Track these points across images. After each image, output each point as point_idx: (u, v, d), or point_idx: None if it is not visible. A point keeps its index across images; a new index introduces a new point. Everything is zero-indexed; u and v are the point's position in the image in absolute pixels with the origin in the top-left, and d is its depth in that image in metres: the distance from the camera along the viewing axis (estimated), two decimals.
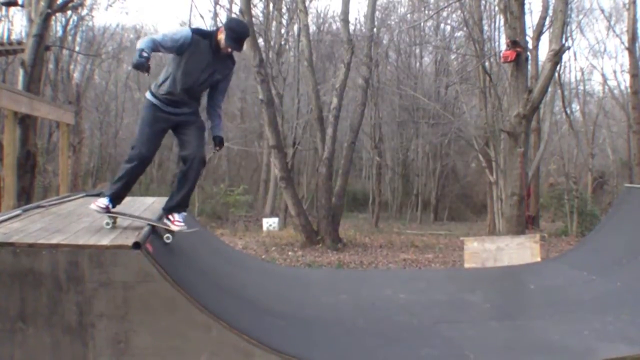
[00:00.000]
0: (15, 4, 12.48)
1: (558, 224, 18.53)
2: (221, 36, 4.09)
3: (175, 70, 4.12)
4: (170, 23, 53.64)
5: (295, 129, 17.68)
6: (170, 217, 4.26)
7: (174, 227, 4.21)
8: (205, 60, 4.11)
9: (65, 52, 21.22)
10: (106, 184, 11.92)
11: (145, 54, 3.86)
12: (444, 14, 20.91)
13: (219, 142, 4.47)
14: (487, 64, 16.99)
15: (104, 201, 4.19)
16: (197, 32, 4.14)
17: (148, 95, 4.30)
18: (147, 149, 4.21)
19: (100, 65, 26.02)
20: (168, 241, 4.22)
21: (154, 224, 4.26)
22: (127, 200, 4.54)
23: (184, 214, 4.32)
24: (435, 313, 5.28)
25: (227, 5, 24.53)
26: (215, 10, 25.73)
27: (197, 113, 4.41)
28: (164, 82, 4.19)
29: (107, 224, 4.20)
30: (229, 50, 4.14)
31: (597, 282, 5.88)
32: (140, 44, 3.95)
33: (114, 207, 4.25)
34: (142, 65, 3.86)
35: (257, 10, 19.72)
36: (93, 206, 4.22)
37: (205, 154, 4.40)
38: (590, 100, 24.51)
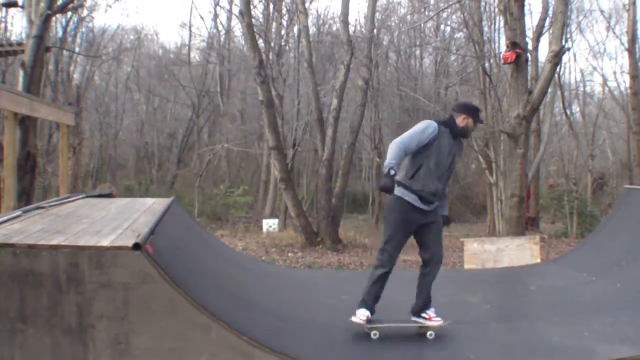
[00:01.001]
0: (15, 5, 12.49)
1: (558, 226, 18.52)
2: (467, 121, 4.43)
3: (427, 160, 4.30)
4: (170, 24, 53.74)
5: (295, 131, 17.68)
6: (424, 315, 4.47)
7: (433, 324, 4.44)
8: (448, 146, 4.38)
9: (65, 53, 21.24)
10: (106, 185, 11.92)
11: (392, 172, 4.10)
12: (444, 15, 20.94)
13: (446, 221, 4.67)
14: (487, 65, 16.99)
15: (363, 312, 4.34)
16: (440, 123, 4.42)
17: (400, 191, 4.33)
18: (398, 254, 4.46)
19: (100, 67, 26.05)
20: (431, 338, 4.40)
21: (419, 325, 4.47)
22: (127, 201, 4.55)
23: (433, 308, 4.51)
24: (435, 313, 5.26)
25: (228, 7, 24.69)
26: (215, 11, 25.92)
27: (437, 213, 4.53)
28: (416, 173, 4.31)
29: (375, 334, 4.33)
30: (471, 125, 4.47)
31: (598, 284, 5.88)
32: (389, 156, 4.16)
33: (372, 314, 4.39)
34: (388, 190, 4.14)
35: (257, 11, 19.79)
36: (355, 319, 4.34)
37: (442, 253, 4.61)
38: (591, 101, 24.52)
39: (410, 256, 12.94)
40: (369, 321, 4.34)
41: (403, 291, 4.79)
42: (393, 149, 4.20)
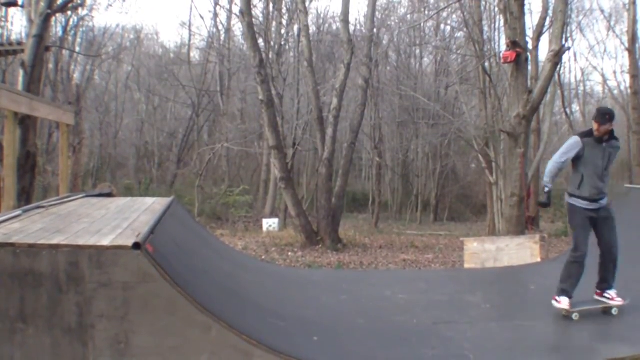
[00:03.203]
0: (15, 4, 12.47)
1: (558, 225, 18.53)
2: (597, 125, 4.98)
3: (583, 169, 5.03)
4: (171, 24, 53.71)
5: (295, 130, 17.67)
6: (606, 294, 5.09)
7: (616, 303, 5.01)
8: (598, 150, 5.01)
9: (65, 52, 21.23)
10: (106, 184, 11.90)
11: (547, 188, 5.12)
12: (444, 14, 20.95)
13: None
14: (487, 64, 16.99)
15: (566, 301, 4.98)
16: (581, 135, 5.12)
17: (572, 200, 5.18)
18: (586, 247, 5.02)
19: (100, 66, 26.06)
20: (615, 314, 4.99)
21: (604, 306, 5.04)
22: (127, 201, 4.55)
23: (615, 289, 5.11)
24: (435, 314, 5.27)
25: (227, 6, 24.68)
26: (215, 10, 25.89)
27: (610, 207, 5.22)
28: (580, 184, 5.06)
29: (576, 315, 4.93)
30: (602, 128, 4.97)
31: None
32: (545, 176, 5.17)
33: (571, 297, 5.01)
34: (546, 206, 5.25)
35: (257, 10, 19.76)
36: (556, 304, 5.01)
37: (617, 246, 5.20)
38: (590, 100, 24.55)
39: (410, 256, 12.97)
40: (571, 307, 4.96)
41: (403, 290, 4.78)
42: (547, 169, 5.22)
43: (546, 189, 5.12)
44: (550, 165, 5.13)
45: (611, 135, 5.10)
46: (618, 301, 5.01)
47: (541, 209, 17.78)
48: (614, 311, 4.97)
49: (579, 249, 5.01)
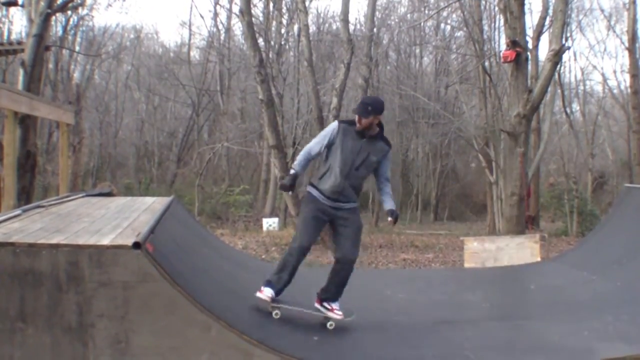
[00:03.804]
0: (15, 4, 12.48)
1: (558, 224, 18.52)
2: (357, 118, 4.38)
3: (333, 160, 4.40)
4: (170, 23, 53.68)
5: (295, 129, 17.65)
6: (326, 305, 4.53)
7: (335, 316, 4.48)
8: (355, 143, 4.37)
9: (65, 52, 21.24)
10: (106, 184, 11.90)
11: (293, 171, 4.50)
12: (444, 14, 20.92)
13: (391, 215, 4.57)
14: (487, 64, 16.99)
15: (269, 291, 4.40)
16: (343, 121, 4.52)
17: (310, 188, 4.57)
18: (307, 240, 4.45)
19: (100, 65, 26.04)
20: (331, 327, 4.48)
21: (318, 313, 4.52)
22: (127, 200, 4.55)
23: (338, 303, 4.56)
24: (435, 313, 5.27)
25: (227, 5, 24.66)
26: (215, 10, 25.88)
27: (356, 210, 4.63)
28: (324, 174, 4.46)
29: (276, 314, 4.40)
30: (363, 121, 4.35)
31: (597, 282, 5.87)
32: (297, 158, 4.55)
33: (277, 296, 4.45)
34: (284, 187, 4.55)
35: (257, 10, 19.74)
36: (259, 294, 4.42)
37: (357, 256, 4.60)
38: (590, 100, 24.53)
39: (410, 255, 12.97)
40: (273, 300, 4.41)
41: (403, 290, 4.79)
42: (300, 154, 4.61)
43: (291, 172, 4.53)
44: (303, 151, 4.57)
45: (380, 134, 4.47)
46: (337, 314, 4.47)
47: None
48: (330, 325, 4.47)
49: (297, 240, 4.43)
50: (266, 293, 4.40)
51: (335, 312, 4.49)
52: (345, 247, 4.49)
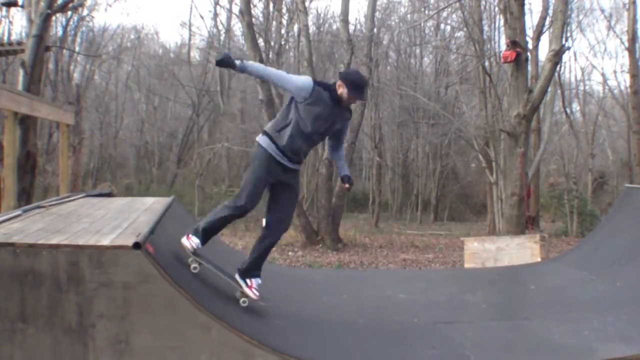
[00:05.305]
0: (15, 4, 12.48)
1: (558, 224, 18.53)
2: (342, 90, 4.11)
3: (298, 117, 4.08)
4: (170, 23, 53.69)
5: None
6: (247, 280, 4.23)
7: (250, 294, 4.21)
8: (326, 110, 4.10)
9: (65, 52, 21.24)
10: (106, 184, 11.89)
11: (237, 62, 4.03)
12: (444, 14, 20.92)
13: (347, 180, 4.40)
14: (487, 64, 16.99)
15: (196, 241, 4.18)
16: (319, 84, 4.15)
17: (263, 141, 4.18)
18: (252, 202, 4.13)
19: (100, 66, 26.05)
20: (244, 305, 4.22)
21: (235, 285, 4.24)
22: (127, 200, 4.55)
23: (259, 281, 4.28)
24: (435, 313, 5.27)
25: (227, 6, 24.67)
26: (215, 10, 25.89)
27: (299, 176, 4.42)
28: (283, 128, 4.12)
29: (195, 268, 4.14)
30: (353, 101, 4.21)
31: (598, 282, 5.87)
32: (257, 66, 4.18)
33: (203, 245, 4.23)
34: (222, 62, 4.02)
35: (257, 10, 19.73)
36: (185, 241, 4.20)
37: (290, 222, 4.40)
38: (590, 100, 24.51)
39: (410, 255, 12.97)
40: (195, 252, 4.19)
41: (403, 290, 4.79)
42: (267, 71, 4.23)
43: (237, 62, 4.04)
44: (269, 72, 4.22)
45: (348, 106, 4.28)
46: (254, 293, 4.19)
47: None
48: (243, 302, 4.21)
49: (243, 199, 4.09)
50: (193, 242, 4.17)
51: (252, 290, 4.20)
52: (286, 212, 4.30)
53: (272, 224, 4.29)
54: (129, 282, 3.52)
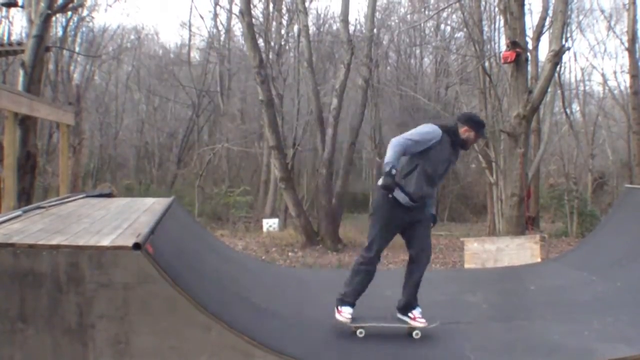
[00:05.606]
0: (15, 4, 12.47)
1: (558, 225, 18.52)
2: (469, 134, 4.37)
3: (424, 163, 4.26)
4: (170, 23, 53.71)
5: (295, 130, 17.67)
6: (410, 314, 4.46)
7: (417, 324, 4.41)
8: (447, 153, 4.35)
9: (65, 52, 21.23)
10: (106, 184, 11.92)
11: (394, 171, 4.06)
12: (444, 14, 20.94)
13: (433, 220, 4.65)
14: (487, 64, 16.99)
15: (348, 310, 4.37)
16: (445, 130, 4.34)
17: (396, 193, 4.27)
18: (382, 248, 4.45)
19: (100, 66, 26.04)
20: (417, 337, 4.39)
21: (402, 325, 4.44)
22: (127, 201, 4.55)
23: (419, 308, 4.49)
24: (435, 313, 5.26)
25: (227, 6, 24.67)
26: (215, 11, 25.89)
27: (424, 207, 4.51)
28: (409, 173, 4.27)
29: (360, 332, 4.33)
30: (476, 139, 4.48)
31: (598, 283, 5.87)
32: (389, 154, 4.10)
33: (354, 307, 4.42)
34: (389, 188, 4.11)
35: (257, 11, 19.76)
36: (338, 317, 4.38)
37: (431, 250, 4.66)
38: (590, 100, 24.50)
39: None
40: (353, 319, 4.37)
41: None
42: (394, 147, 4.16)
43: (393, 172, 4.06)
44: (397, 146, 4.16)
45: (465, 146, 4.51)
46: (421, 322, 4.41)
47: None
48: (416, 334, 4.41)
49: (374, 248, 4.39)
50: (345, 314, 4.37)
51: (417, 320, 4.43)
52: (425, 242, 4.53)
53: (415, 257, 4.53)
54: (128, 283, 3.52)
